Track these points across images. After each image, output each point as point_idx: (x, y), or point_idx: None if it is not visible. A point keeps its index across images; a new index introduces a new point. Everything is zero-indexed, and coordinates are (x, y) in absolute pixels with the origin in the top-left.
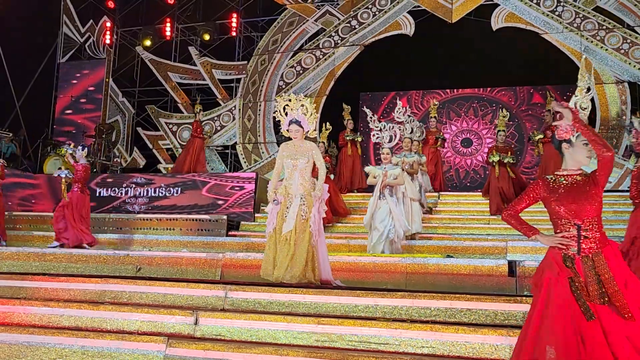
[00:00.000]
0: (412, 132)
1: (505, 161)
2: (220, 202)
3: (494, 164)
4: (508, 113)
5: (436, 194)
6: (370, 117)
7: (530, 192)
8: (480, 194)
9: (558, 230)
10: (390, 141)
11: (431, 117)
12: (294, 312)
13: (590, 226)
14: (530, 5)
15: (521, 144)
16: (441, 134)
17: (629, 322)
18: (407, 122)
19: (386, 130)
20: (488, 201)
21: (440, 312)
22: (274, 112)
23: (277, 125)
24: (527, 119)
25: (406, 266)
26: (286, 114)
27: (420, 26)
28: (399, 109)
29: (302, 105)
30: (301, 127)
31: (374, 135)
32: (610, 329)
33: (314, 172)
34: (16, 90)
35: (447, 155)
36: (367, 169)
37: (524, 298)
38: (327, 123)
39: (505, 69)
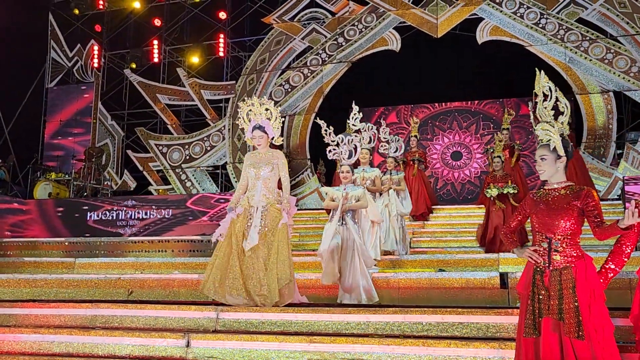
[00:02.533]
0: (370, 141)
1: (505, 192)
2: (207, 218)
3: (493, 198)
4: (504, 137)
5: (420, 222)
6: (326, 130)
7: (520, 209)
8: (473, 206)
9: (533, 243)
10: (350, 157)
11: (412, 136)
12: (286, 332)
13: (562, 239)
14: (515, 19)
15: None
16: (417, 155)
17: (580, 340)
18: (365, 131)
19: (344, 144)
20: (482, 224)
21: (432, 326)
22: (237, 119)
23: None
24: (515, 131)
25: (398, 281)
26: (250, 120)
27: (407, 41)
28: (354, 114)
29: (267, 110)
30: (265, 133)
31: (330, 151)
32: (566, 346)
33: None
34: (4, 116)
35: (437, 167)
36: (323, 189)
37: (515, 310)
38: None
39: (491, 81)
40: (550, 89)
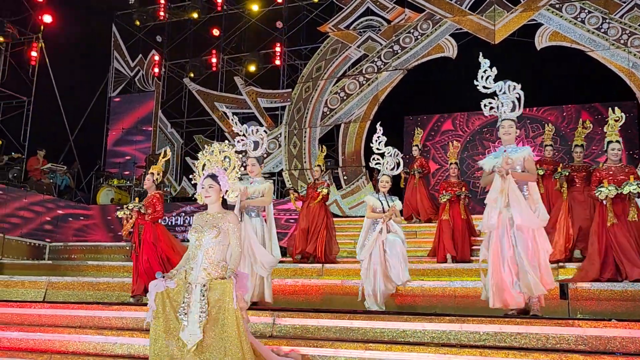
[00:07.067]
0: (393, 168)
1: (626, 192)
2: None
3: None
4: (548, 153)
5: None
6: (377, 138)
7: None
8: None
9: None
10: (393, 169)
11: (451, 164)
12: (342, 338)
13: None
14: (575, 24)
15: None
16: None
17: None
18: (390, 156)
19: (390, 156)
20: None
21: (489, 336)
22: (191, 175)
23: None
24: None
25: (454, 290)
26: (204, 172)
27: (463, 48)
28: (377, 137)
29: (226, 157)
30: (217, 183)
31: (373, 158)
32: None
33: None
34: (70, 124)
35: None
36: (367, 198)
37: (576, 321)
38: (323, 146)
39: (551, 87)
40: None
